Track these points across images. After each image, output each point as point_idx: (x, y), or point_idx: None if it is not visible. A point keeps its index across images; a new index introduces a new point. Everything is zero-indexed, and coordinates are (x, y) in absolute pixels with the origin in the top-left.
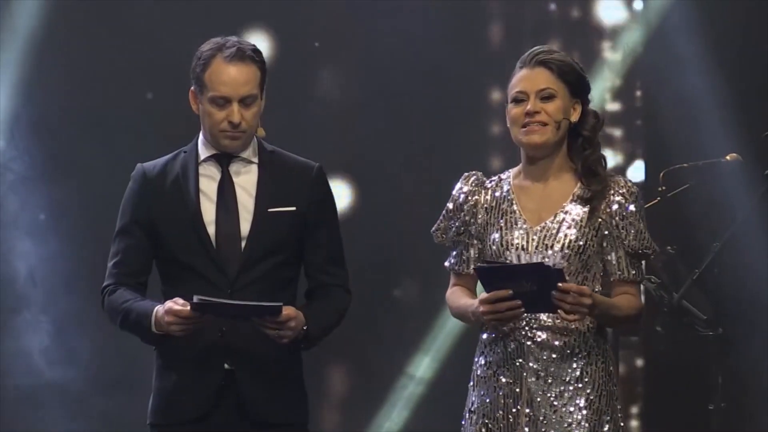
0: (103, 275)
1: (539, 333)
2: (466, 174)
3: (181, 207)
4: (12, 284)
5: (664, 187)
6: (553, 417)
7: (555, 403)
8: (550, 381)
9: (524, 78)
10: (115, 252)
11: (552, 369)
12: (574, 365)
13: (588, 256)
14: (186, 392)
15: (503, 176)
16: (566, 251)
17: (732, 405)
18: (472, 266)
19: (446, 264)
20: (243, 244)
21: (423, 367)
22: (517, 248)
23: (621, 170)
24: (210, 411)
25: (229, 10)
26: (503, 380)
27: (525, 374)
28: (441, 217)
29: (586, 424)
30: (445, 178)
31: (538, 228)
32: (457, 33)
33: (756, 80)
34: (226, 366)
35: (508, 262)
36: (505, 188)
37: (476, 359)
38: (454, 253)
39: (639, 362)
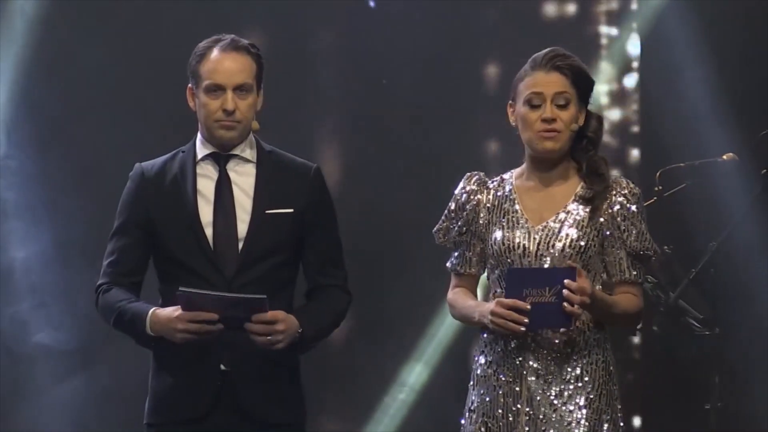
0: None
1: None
2: (468, 174)
3: (178, 207)
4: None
5: (660, 187)
6: (553, 416)
7: (555, 401)
8: (550, 380)
9: (540, 82)
10: (111, 251)
11: (552, 368)
12: (575, 364)
13: (589, 257)
14: (183, 392)
15: (506, 176)
16: (567, 251)
17: (729, 404)
18: (473, 267)
19: (448, 265)
20: (240, 245)
21: (415, 374)
22: (518, 248)
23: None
24: (207, 411)
25: (229, 10)
26: (503, 379)
27: (525, 373)
28: (443, 217)
29: (586, 423)
30: (445, 182)
31: (540, 227)
32: (457, 30)
33: (753, 79)
34: (222, 367)
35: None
36: (507, 188)
37: (476, 358)
38: (456, 253)
39: (636, 362)
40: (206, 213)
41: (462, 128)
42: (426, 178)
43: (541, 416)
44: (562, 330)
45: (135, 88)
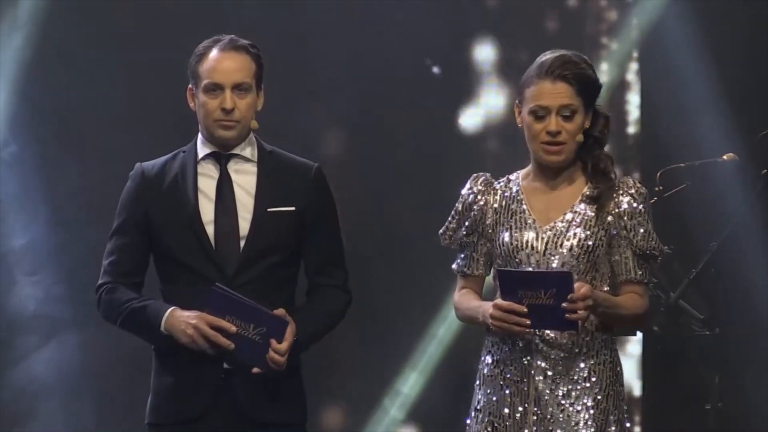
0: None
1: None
2: (475, 174)
3: (179, 206)
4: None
5: (661, 187)
6: (560, 416)
7: (562, 402)
8: (557, 380)
9: (545, 93)
10: (111, 251)
11: (560, 368)
12: (582, 364)
13: (597, 256)
14: (184, 392)
15: (512, 177)
16: (575, 250)
17: (729, 405)
18: (480, 268)
19: (454, 266)
20: (242, 243)
21: (415, 374)
22: (526, 248)
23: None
24: (208, 411)
25: (229, 9)
26: (510, 378)
27: (533, 372)
28: (449, 219)
29: (593, 424)
30: (445, 182)
31: (548, 227)
32: (456, 27)
33: (753, 79)
34: (224, 365)
35: (531, 269)
36: (514, 189)
37: (483, 358)
38: (462, 255)
39: (636, 362)
40: (207, 212)
41: (462, 128)
42: (427, 179)
43: (548, 416)
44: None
45: (135, 88)
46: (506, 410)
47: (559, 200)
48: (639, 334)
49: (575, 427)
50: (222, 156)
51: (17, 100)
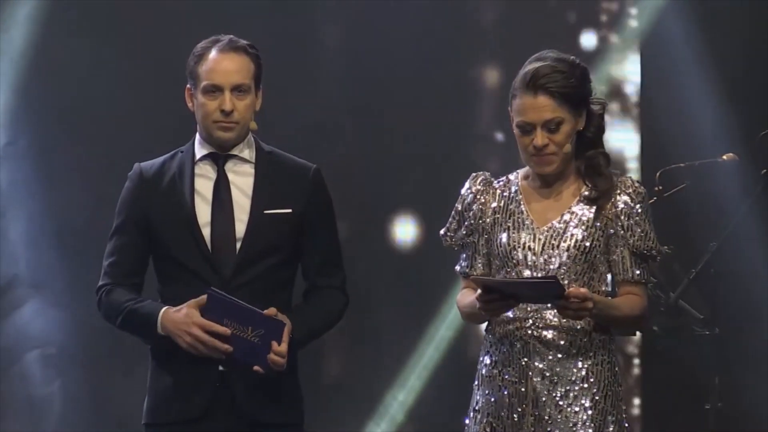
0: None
1: (545, 332)
2: (474, 174)
3: (176, 207)
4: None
5: (660, 187)
6: (558, 417)
7: (560, 402)
8: (555, 381)
9: (528, 108)
10: (111, 251)
11: (558, 369)
12: (580, 365)
13: (594, 257)
14: (181, 392)
15: (511, 177)
16: (572, 251)
17: (728, 405)
18: (481, 268)
19: (457, 268)
20: (238, 245)
21: (410, 382)
22: (523, 249)
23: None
24: (205, 411)
25: (229, 9)
26: (508, 379)
27: (530, 374)
28: (450, 219)
29: (592, 425)
30: (446, 182)
31: (545, 228)
32: (456, 26)
33: (753, 79)
34: (220, 367)
35: (510, 277)
36: (513, 189)
37: (481, 358)
38: (464, 256)
39: (635, 362)
40: (204, 213)
41: (463, 128)
42: (427, 179)
43: (546, 417)
44: (563, 330)
45: (135, 88)
46: (504, 411)
47: (558, 201)
48: (638, 334)
49: (573, 428)
50: (220, 157)
51: (17, 100)
